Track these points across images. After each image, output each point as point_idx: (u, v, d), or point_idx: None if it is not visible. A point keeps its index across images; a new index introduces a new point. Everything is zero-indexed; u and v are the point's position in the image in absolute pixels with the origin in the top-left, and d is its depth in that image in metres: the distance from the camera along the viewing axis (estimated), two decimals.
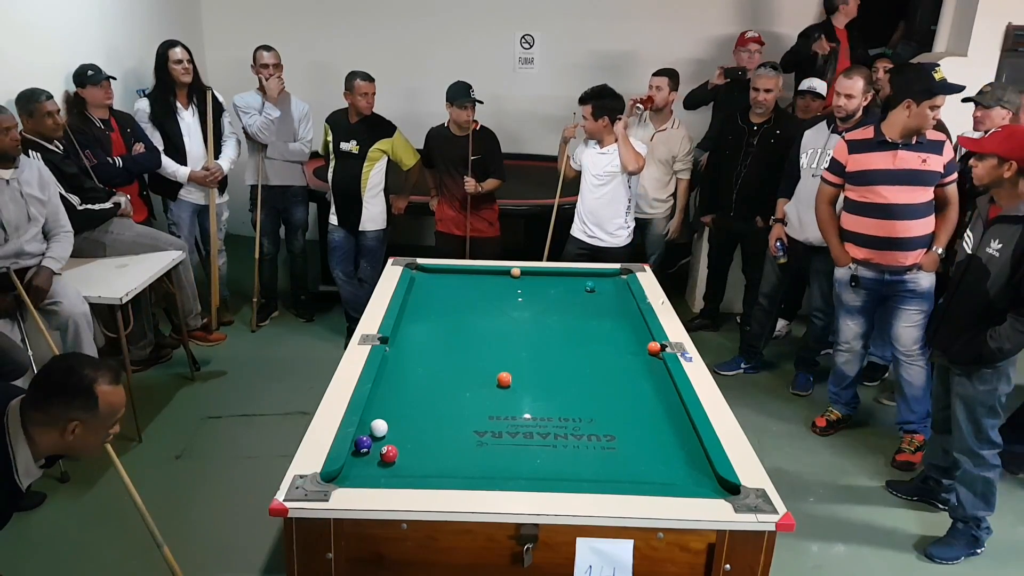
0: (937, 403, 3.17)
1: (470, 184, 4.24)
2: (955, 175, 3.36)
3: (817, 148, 3.88)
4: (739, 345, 4.60)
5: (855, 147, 3.43)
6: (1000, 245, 2.70)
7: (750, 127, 4.35)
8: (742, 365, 4.50)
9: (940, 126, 3.43)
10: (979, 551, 3.01)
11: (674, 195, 4.76)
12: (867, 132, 3.43)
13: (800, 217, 3.98)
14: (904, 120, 3.27)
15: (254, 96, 4.55)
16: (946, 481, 3.20)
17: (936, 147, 3.32)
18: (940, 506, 3.25)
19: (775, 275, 4.22)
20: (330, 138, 4.35)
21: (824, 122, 3.91)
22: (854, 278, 3.54)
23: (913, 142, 3.31)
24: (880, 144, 3.35)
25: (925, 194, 3.34)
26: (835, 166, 3.51)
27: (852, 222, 3.48)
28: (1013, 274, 2.65)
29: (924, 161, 3.30)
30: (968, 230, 2.93)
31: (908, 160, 3.31)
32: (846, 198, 3.52)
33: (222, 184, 4.61)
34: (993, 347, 2.71)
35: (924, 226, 3.37)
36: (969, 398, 2.89)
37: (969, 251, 2.85)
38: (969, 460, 2.93)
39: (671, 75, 4.56)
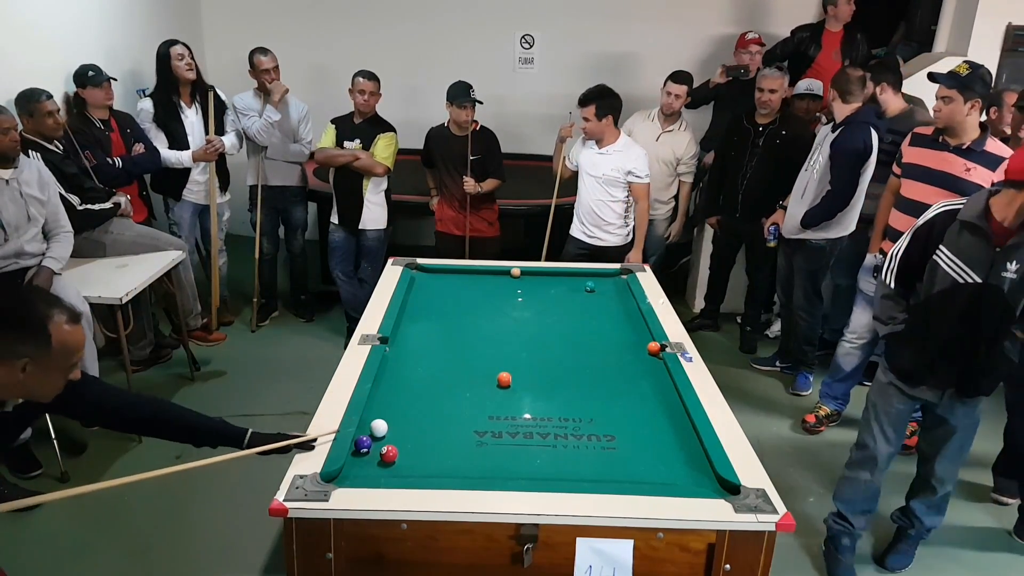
0: (899, 441, 2.84)
1: (469, 184, 4.24)
2: None
3: (818, 144, 3.95)
4: (784, 348, 4.54)
5: (915, 140, 3.43)
6: (1018, 267, 2.40)
7: (756, 128, 4.36)
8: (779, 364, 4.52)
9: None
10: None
11: (676, 197, 4.76)
12: (931, 129, 3.40)
13: (788, 209, 4.09)
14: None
15: (253, 98, 4.55)
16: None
17: (991, 160, 3.17)
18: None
19: (802, 293, 4.18)
20: (334, 138, 4.33)
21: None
22: (877, 268, 3.53)
23: (964, 147, 3.22)
24: (934, 142, 3.32)
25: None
26: (899, 158, 3.53)
27: (892, 214, 3.51)
28: None
29: (968, 170, 3.20)
30: (948, 254, 2.48)
31: (951, 164, 3.24)
32: (898, 191, 3.53)
33: (224, 182, 4.61)
34: (1017, 362, 2.63)
35: None
36: (972, 425, 2.71)
37: (975, 278, 2.44)
38: (949, 483, 2.81)
39: (690, 83, 4.52)
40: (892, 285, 2.64)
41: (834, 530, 2.92)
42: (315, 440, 2.09)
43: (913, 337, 2.60)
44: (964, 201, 2.50)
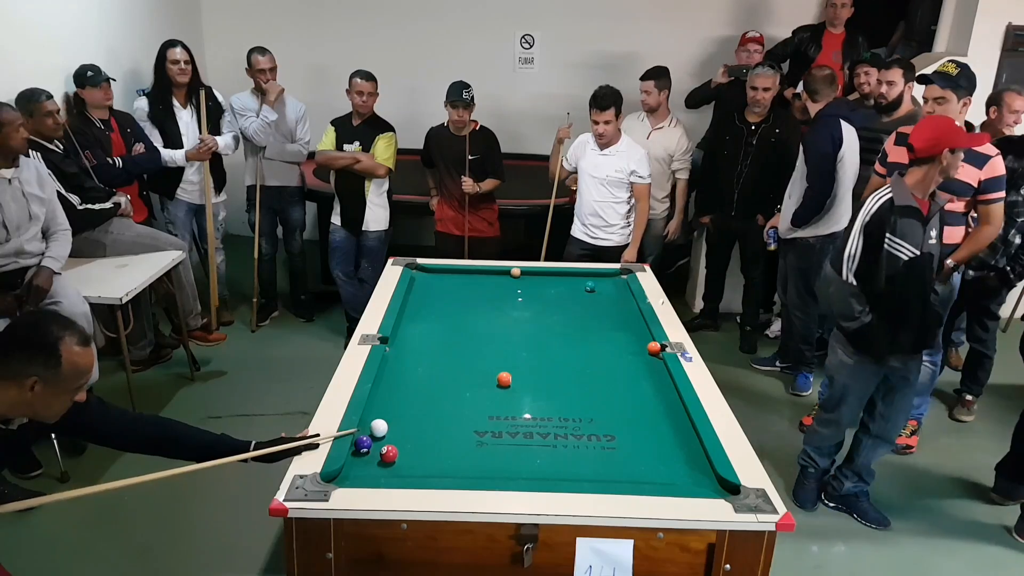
0: (861, 411, 3.17)
1: (467, 184, 4.23)
2: (998, 193, 3.22)
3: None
4: (784, 348, 4.52)
5: (900, 140, 3.43)
6: (935, 232, 2.84)
7: (748, 127, 4.36)
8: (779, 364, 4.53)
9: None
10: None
11: (672, 196, 4.76)
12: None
13: (782, 209, 4.15)
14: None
15: (250, 98, 4.54)
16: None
17: (978, 159, 3.20)
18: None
19: (795, 291, 4.20)
20: (334, 140, 4.32)
21: None
22: None
23: None
24: None
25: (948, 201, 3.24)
26: (883, 157, 3.53)
27: None
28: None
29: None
30: (898, 242, 2.75)
31: None
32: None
33: (220, 182, 4.62)
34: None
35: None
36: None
37: (915, 251, 2.75)
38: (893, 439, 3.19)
39: (657, 76, 4.49)
40: (854, 282, 2.88)
41: (801, 465, 3.32)
42: (319, 436, 2.10)
43: (880, 321, 2.86)
44: (889, 191, 2.82)
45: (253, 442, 2.08)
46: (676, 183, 4.70)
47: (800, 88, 4.54)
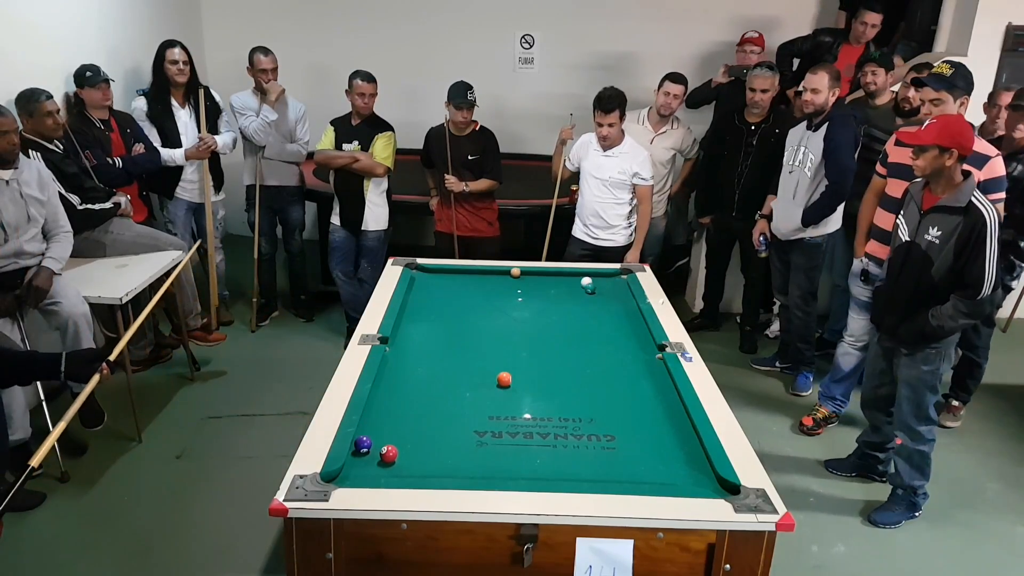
0: (873, 380, 3.27)
1: (451, 182, 4.23)
2: (998, 195, 3.19)
3: (794, 145, 3.98)
4: (784, 348, 4.52)
5: (900, 141, 3.42)
6: (939, 232, 2.83)
7: (748, 127, 4.36)
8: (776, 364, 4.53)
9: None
10: (917, 514, 3.18)
11: (671, 196, 4.78)
12: (916, 129, 3.41)
13: (776, 211, 4.11)
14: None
15: (251, 97, 4.54)
16: (881, 454, 3.40)
17: (978, 159, 3.17)
18: (878, 478, 3.42)
19: (798, 290, 4.20)
20: (333, 140, 4.33)
21: (805, 121, 3.96)
22: (864, 272, 3.58)
23: None
24: None
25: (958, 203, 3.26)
26: (884, 158, 3.53)
27: (877, 214, 3.53)
28: (956, 261, 2.79)
29: None
30: (900, 217, 3.04)
31: None
32: (882, 191, 3.54)
33: (218, 181, 4.62)
34: (935, 325, 2.86)
35: None
36: (914, 379, 3.03)
37: (906, 238, 2.96)
38: (907, 436, 3.09)
39: (686, 83, 4.51)
40: None
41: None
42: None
43: (878, 291, 3.18)
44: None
45: (64, 354, 2.16)
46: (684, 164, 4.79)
47: (801, 87, 4.55)
